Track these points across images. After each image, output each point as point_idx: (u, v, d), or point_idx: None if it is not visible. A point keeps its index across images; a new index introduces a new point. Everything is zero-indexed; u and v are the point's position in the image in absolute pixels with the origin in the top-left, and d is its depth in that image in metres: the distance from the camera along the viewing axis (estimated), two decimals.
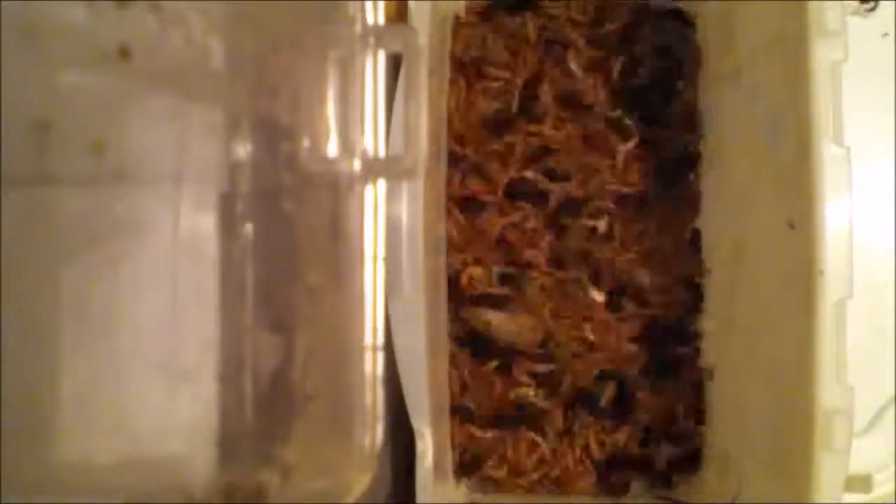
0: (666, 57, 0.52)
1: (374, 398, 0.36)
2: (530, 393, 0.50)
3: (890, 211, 0.51)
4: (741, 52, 0.47)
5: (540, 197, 0.51)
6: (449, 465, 0.46)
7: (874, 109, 0.50)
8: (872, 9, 0.51)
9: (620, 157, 0.51)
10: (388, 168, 0.36)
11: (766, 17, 0.44)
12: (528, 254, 0.50)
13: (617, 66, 0.51)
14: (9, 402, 0.31)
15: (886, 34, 0.51)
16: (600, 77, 0.52)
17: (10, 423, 0.31)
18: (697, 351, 0.51)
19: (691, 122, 0.52)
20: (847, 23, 0.39)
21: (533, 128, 0.51)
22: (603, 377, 0.50)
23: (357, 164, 0.36)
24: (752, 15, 0.46)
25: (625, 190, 0.51)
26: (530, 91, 0.51)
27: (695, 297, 0.51)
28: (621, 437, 0.50)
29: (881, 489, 0.47)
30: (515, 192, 0.51)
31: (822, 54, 0.39)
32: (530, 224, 0.51)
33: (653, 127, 0.52)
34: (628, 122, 0.51)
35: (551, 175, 0.51)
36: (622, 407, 0.50)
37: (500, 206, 0.51)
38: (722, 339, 0.49)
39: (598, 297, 0.51)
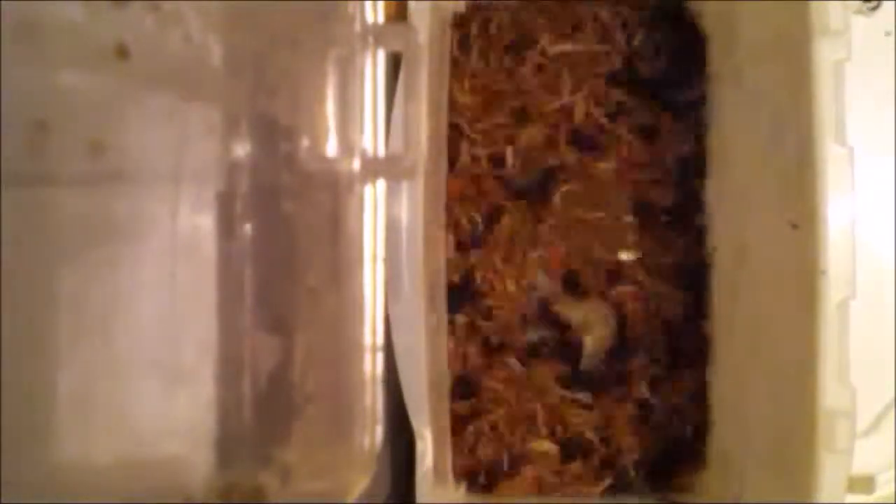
0: (669, 57, 0.52)
1: (374, 398, 0.36)
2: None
3: (893, 211, 0.50)
4: (743, 51, 0.47)
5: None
6: (448, 466, 0.46)
7: (877, 109, 0.50)
8: (875, 7, 0.51)
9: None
10: (387, 168, 0.36)
11: (769, 16, 0.44)
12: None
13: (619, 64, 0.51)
14: (8, 402, 0.31)
15: (889, 33, 0.51)
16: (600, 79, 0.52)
17: (10, 423, 0.31)
18: (699, 351, 0.51)
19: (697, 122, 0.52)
20: (850, 22, 0.39)
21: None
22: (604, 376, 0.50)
23: (357, 164, 0.36)
24: (754, 14, 0.46)
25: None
26: None
27: (697, 297, 0.51)
28: (623, 436, 0.50)
29: (883, 490, 0.47)
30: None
31: (824, 54, 0.39)
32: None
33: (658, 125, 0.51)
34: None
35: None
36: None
37: None
38: (724, 338, 0.49)
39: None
